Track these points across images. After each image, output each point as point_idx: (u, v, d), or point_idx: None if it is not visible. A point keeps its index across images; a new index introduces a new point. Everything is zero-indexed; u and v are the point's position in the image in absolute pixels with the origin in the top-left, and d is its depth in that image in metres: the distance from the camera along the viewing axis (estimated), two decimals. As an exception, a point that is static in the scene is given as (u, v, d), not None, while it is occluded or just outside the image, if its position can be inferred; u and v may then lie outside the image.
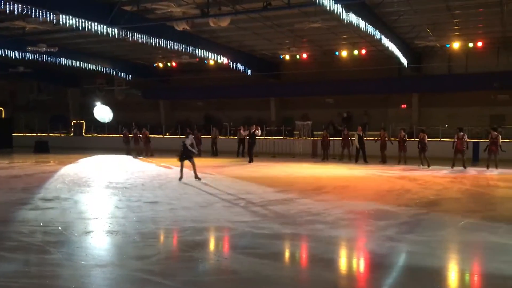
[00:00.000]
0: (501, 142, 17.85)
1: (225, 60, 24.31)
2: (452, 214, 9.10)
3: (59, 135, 33.56)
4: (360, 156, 20.85)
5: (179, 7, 16.45)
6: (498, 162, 17.57)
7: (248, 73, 26.54)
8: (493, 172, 16.65)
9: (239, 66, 25.70)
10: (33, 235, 7.22)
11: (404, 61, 22.55)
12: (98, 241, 7.05)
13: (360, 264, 6.10)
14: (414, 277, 5.36)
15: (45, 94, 38.84)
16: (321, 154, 22.52)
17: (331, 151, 22.37)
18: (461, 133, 18.35)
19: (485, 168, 17.45)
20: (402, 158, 19.82)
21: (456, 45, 22.88)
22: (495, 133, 17.93)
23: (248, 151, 21.41)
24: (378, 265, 5.87)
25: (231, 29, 20.67)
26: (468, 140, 18.66)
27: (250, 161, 20.60)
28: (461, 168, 17.61)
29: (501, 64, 23.57)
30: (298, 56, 25.87)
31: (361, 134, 20.94)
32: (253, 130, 20.90)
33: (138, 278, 5.28)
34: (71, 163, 20.61)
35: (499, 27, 20.71)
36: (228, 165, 19.58)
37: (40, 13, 15.24)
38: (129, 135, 26.19)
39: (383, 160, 20.43)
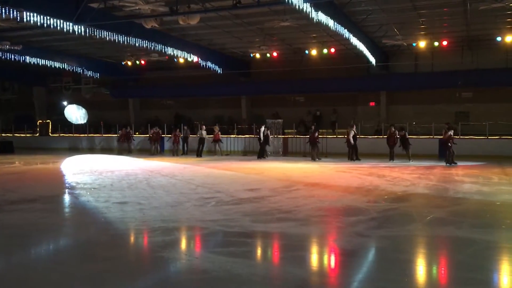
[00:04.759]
0: (456, 137, 19.55)
1: (195, 58, 24.15)
2: (419, 209, 9.30)
3: (24, 135, 32.67)
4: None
5: (147, 4, 16.21)
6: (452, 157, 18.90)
7: (219, 71, 26.46)
8: (458, 170, 17.11)
9: (209, 64, 25.59)
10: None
11: (372, 59, 22.89)
12: (65, 243, 6.90)
13: (331, 260, 6.17)
14: (383, 272, 5.45)
15: (10, 93, 37.74)
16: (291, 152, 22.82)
17: (302, 149, 22.59)
18: (393, 129, 20.30)
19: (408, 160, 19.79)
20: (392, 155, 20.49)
21: (422, 44, 23.39)
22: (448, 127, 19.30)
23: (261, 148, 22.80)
24: (348, 261, 5.95)
25: (201, 27, 20.55)
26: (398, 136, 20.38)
27: (260, 157, 22.44)
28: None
29: (465, 63, 24.20)
30: (268, 55, 25.96)
31: (355, 131, 21.29)
32: (262, 128, 22.78)
33: (107, 280, 5.19)
34: (37, 164, 20.13)
35: (463, 26, 21.26)
36: (198, 163, 19.48)
37: (3, 10, 14.74)
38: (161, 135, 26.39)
39: (351, 157, 20.91)
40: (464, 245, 6.60)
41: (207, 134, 24.36)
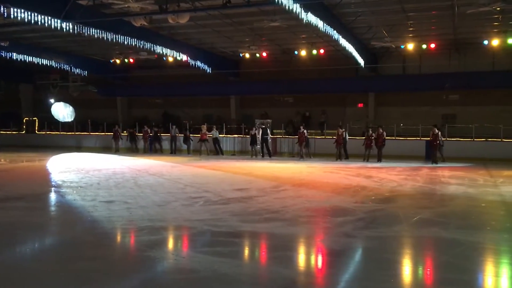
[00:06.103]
0: (443, 139, 20.30)
1: (184, 57, 24.07)
2: (406, 210, 9.37)
3: (10, 132, 32.28)
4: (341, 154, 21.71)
5: (137, 2, 16.13)
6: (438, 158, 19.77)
7: (208, 71, 26.39)
8: (444, 171, 17.28)
9: (198, 63, 25.51)
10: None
11: (361, 61, 23.01)
12: (51, 242, 6.83)
13: (318, 260, 6.19)
14: (370, 272, 5.48)
15: (-4, 89, 37.28)
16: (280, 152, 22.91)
17: (291, 149, 22.66)
18: (381, 130, 20.60)
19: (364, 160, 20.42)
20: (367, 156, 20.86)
21: (410, 46, 23.60)
22: (437, 130, 19.76)
23: (266, 147, 23.02)
24: (335, 261, 5.98)
25: (190, 26, 20.50)
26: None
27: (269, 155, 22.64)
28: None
29: (453, 65, 24.47)
30: (258, 55, 25.97)
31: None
32: (264, 126, 23.39)
33: (94, 279, 5.15)
34: (23, 162, 19.92)
35: (450, 29, 21.47)
36: (186, 163, 19.42)
37: (-11, 6, 14.60)
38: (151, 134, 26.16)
39: (339, 157, 21.08)
40: (450, 246, 6.66)
41: (206, 135, 24.43)
